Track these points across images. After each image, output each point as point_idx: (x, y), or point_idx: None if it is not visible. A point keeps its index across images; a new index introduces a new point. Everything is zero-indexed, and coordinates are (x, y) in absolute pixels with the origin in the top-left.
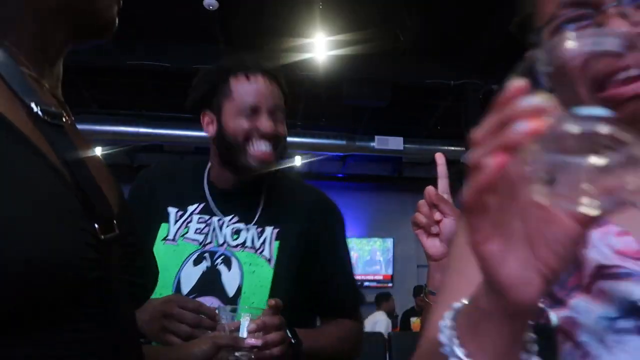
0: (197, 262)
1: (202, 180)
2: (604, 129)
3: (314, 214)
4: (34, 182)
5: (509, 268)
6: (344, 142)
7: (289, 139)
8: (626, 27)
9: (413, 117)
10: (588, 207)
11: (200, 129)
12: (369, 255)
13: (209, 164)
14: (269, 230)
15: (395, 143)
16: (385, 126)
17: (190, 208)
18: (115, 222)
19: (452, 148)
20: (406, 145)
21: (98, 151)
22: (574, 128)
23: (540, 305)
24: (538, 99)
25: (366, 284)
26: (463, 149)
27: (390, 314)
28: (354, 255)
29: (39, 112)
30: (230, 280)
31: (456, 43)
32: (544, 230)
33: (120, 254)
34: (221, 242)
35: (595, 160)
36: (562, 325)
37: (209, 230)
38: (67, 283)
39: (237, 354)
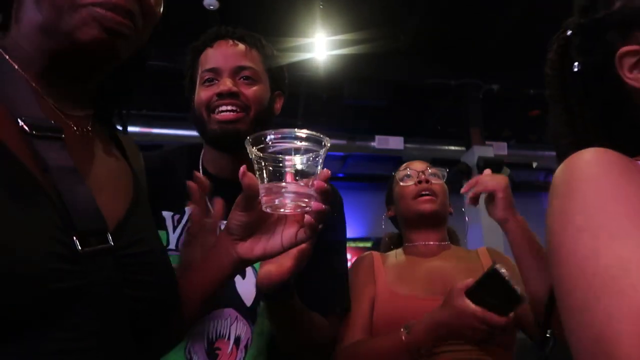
0: None
1: (197, 170)
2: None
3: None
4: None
5: None
6: (344, 142)
7: None
8: None
9: (413, 117)
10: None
11: None
12: None
13: (204, 148)
14: None
15: (395, 143)
16: (386, 126)
17: (188, 210)
18: (109, 234)
19: (452, 148)
20: (406, 145)
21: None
22: None
23: None
24: None
25: None
26: (463, 148)
27: None
28: (353, 255)
29: (25, 126)
30: (246, 289)
31: (456, 43)
32: None
33: (114, 267)
34: None
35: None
36: None
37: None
38: (29, 293)
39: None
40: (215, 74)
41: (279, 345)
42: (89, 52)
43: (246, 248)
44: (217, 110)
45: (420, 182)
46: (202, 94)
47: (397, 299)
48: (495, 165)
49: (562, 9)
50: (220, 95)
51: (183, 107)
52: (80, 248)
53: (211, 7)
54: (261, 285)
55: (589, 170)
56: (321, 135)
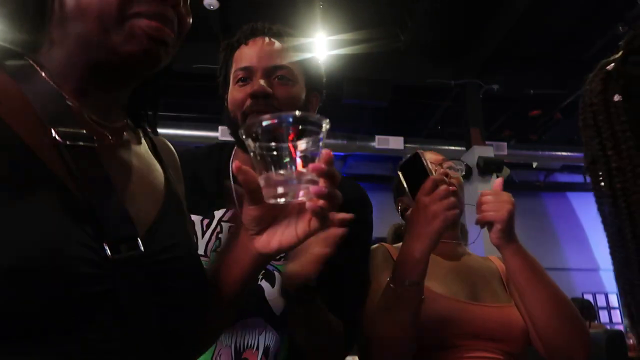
0: None
1: (227, 173)
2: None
3: (358, 214)
4: (27, 196)
5: None
6: (344, 142)
7: None
8: None
9: (413, 117)
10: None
11: (200, 128)
12: None
13: (235, 148)
14: None
15: (395, 143)
16: (386, 126)
17: (218, 214)
18: (139, 240)
19: (452, 148)
20: (406, 145)
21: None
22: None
23: None
24: None
25: None
26: (463, 148)
27: None
28: None
29: (57, 137)
30: (275, 297)
31: (456, 43)
32: None
33: (144, 273)
34: None
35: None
36: None
37: None
38: (56, 294)
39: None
40: (249, 73)
41: (299, 344)
42: (135, 63)
43: (263, 242)
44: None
45: None
46: (235, 94)
47: (436, 298)
48: (495, 165)
49: (562, 9)
50: (254, 96)
51: (183, 107)
52: (110, 254)
53: (211, 7)
54: (284, 285)
55: None
56: (319, 116)
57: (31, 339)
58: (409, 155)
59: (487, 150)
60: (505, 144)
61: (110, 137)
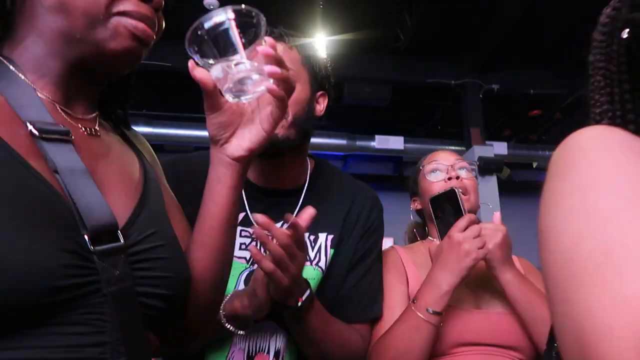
0: (248, 283)
1: None
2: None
3: (370, 217)
4: (5, 190)
5: None
6: (344, 142)
7: None
8: None
9: (413, 117)
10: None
11: (200, 128)
12: None
13: None
14: (323, 237)
15: (395, 143)
16: (386, 126)
17: None
18: (120, 231)
19: (452, 148)
20: (406, 145)
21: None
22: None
23: None
24: None
25: None
26: (463, 149)
27: None
28: None
29: (33, 130)
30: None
31: (456, 43)
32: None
33: (126, 264)
34: None
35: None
36: None
37: (256, 245)
38: (41, 288)
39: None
40: None
41: (307, 353)
42: (117, 60)
43: (234, 147)
44: None
45: (450, 178)
46: None
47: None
48: (495, 165)
49: (562, 9)
50: None
51: (183, 107)
52: (91, 246)
53: (211, 7)
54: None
55: (587, 147)
56: (254, 9)
57: (15, 332)
58: (443, 190)
59: (487, 150)
60: (505, 144)
61: (84, 130)
